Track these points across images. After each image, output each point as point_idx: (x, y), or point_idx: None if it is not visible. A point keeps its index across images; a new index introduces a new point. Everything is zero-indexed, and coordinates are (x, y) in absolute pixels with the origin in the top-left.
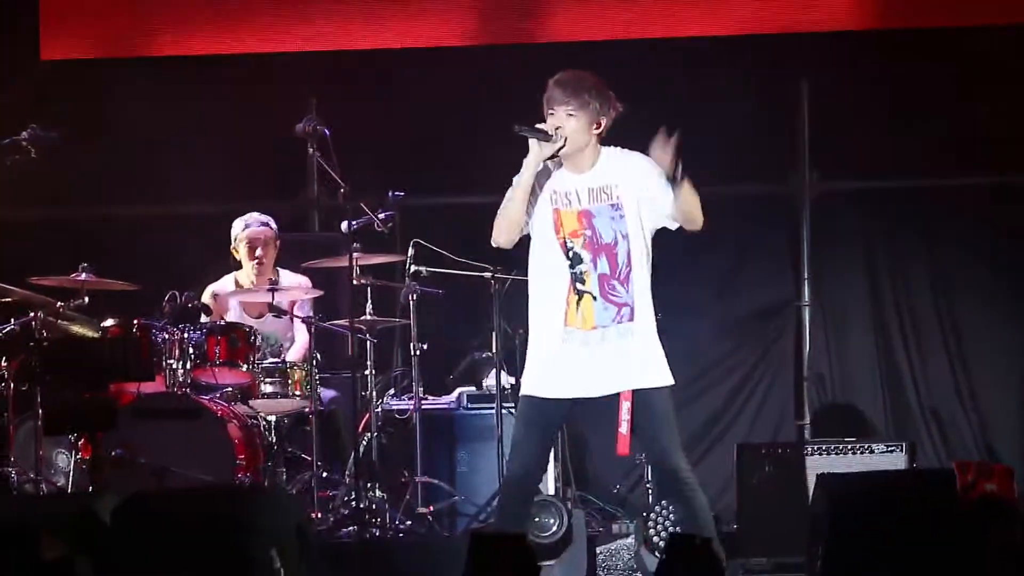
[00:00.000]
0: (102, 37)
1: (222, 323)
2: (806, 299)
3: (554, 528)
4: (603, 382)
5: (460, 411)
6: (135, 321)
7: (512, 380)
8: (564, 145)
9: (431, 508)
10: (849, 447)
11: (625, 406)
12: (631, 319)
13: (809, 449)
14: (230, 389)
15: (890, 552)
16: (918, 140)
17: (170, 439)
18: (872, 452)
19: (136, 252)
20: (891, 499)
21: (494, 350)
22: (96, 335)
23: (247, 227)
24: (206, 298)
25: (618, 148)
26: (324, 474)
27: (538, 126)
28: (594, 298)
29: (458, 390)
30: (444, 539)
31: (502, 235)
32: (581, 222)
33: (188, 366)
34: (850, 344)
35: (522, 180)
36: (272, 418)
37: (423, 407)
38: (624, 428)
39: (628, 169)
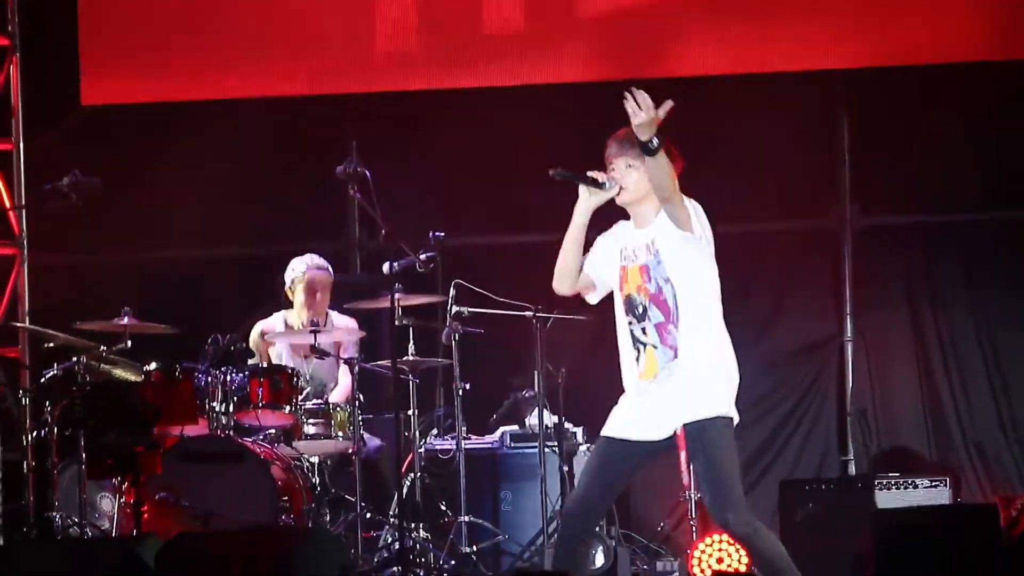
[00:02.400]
0: (142, 81)
1: (264, 365)
2: (848, 334)
3: (600, 562)
4: (659, 426)
5: (503, 450)
6: (177, 364)
7: (555, 419)
8: (619, 193)
9: (475, 547)
10: (893, 482)
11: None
12: (675, 358)
13: (853, 485)
14: (273, 431)
15: None
16: (958, 174)
17: (213, 482)
18: (916, 487)
19: (178, 296)
20: (935, 534)
21: (536, 389)
22: (139, 379)
23: (308, 269)
24: (255, 334)
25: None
26: (368, 515)
27: (589, 173)
28: (655, 347)
29: (501, 429)
30: None
31: (564, 287)
32: (643, 276)
33: (231, 408)
34: (893, 378)
35: (573, 227)
36: (315, 459)
37: (466, 447)
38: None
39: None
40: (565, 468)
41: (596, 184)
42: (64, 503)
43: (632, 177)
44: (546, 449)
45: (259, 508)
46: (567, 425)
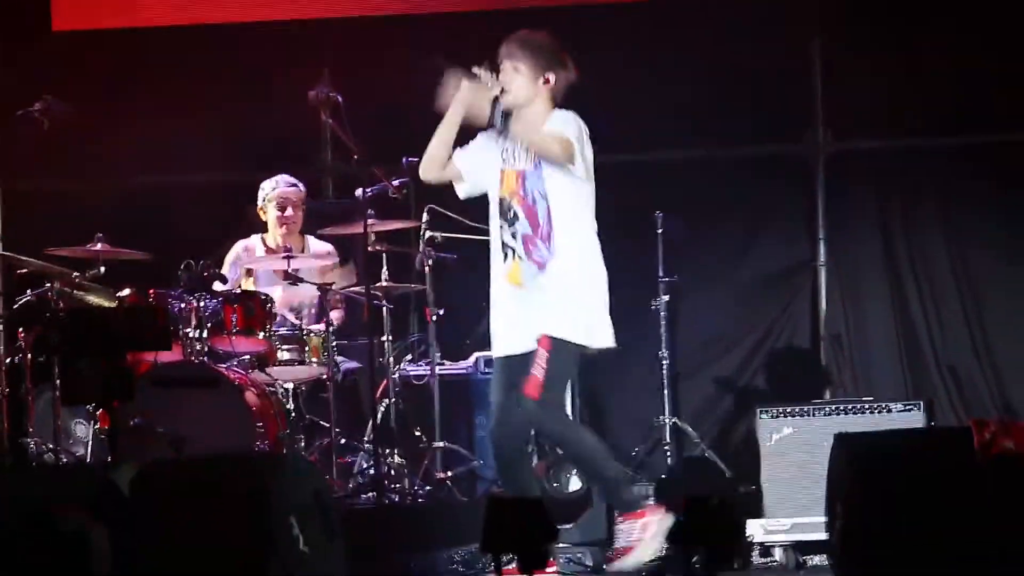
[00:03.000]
0: (114, 6)
1: (238, 291)
2: (822, 259)
3: (576, 486)
4: (519, 339)
5: (477, 375)
6: (151, 290)
7: None
8: (501, 93)
9: (449, 473)
10: (867, 407)
11: (541, 351)
12: (540, 271)
13: (827, 409)
14: (247, 357)
15: (908, 510)
16: (931, 98)
17: (188, 408)
18: (890, 411)
19: (151, 222)
20: (909, 457)
21: None
22: (112, 305)
23: (277, 186)
24: (236, 251)
25: (563, 110)
26: (343, 441)
27: (474, 69)
28: (520, 258)
29: (475, 354)
30: (463, 504)
31: (426, 170)
32: (517, 181)
33: (205, 335)
34: (866, 303)
35: (447, 117)
36: (290, 385)
37: (440, 372)
38: (538, 371)
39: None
40: None
41: (475, 77)
42: (39, 429)
43: (516, 81)
44: None
45: (233, 434)
46: None
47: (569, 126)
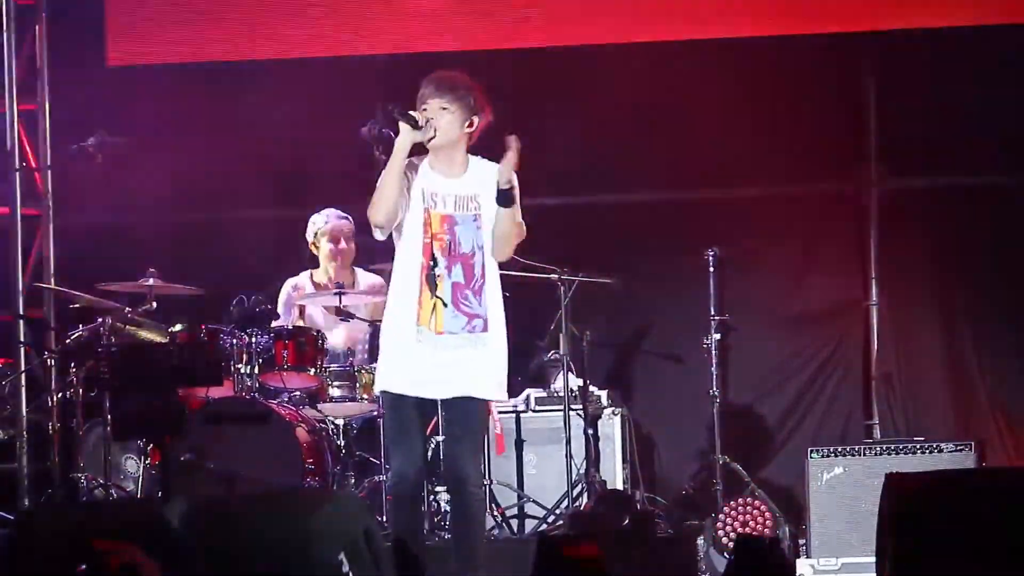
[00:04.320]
0: (168, 43)
1: (290, 327)
2: (874, 298)
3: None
4: (450, 386)
5: (528, 413)
6: (203, 326)
7: (580, 382)
8: (434, 136)
9: (500, 510)
10: (918, 447)
11: (490, 408)
12: (484, 330)
13: (878, 449)
14: (298, 393)
15: (958, 551)
16: (985, 136)
17: (239, 444)
18: (940, 451)
19: (203, 257)
20: (960, 498)
21: (561, 352)
22: (164, 340)
23: (328, 220)
24: (286, 291)
25: (483, 159)
26: None
27: (409, 112)
28: (444, 304)
29: (526, 392)
30: (512, 541)
31: (382, 219)
32: (444, 226)
33: (256, 370)
34: (918, 342)
35: (394, 162)
36: (340, 422)
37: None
38: (498, 428)
39: (490, 180)
40: (590, 431)
41: (415, 123)
42: (89, 465)
43: (445, 119)
44: (571, 412)
45: (284, 470)
46: (592, 388)
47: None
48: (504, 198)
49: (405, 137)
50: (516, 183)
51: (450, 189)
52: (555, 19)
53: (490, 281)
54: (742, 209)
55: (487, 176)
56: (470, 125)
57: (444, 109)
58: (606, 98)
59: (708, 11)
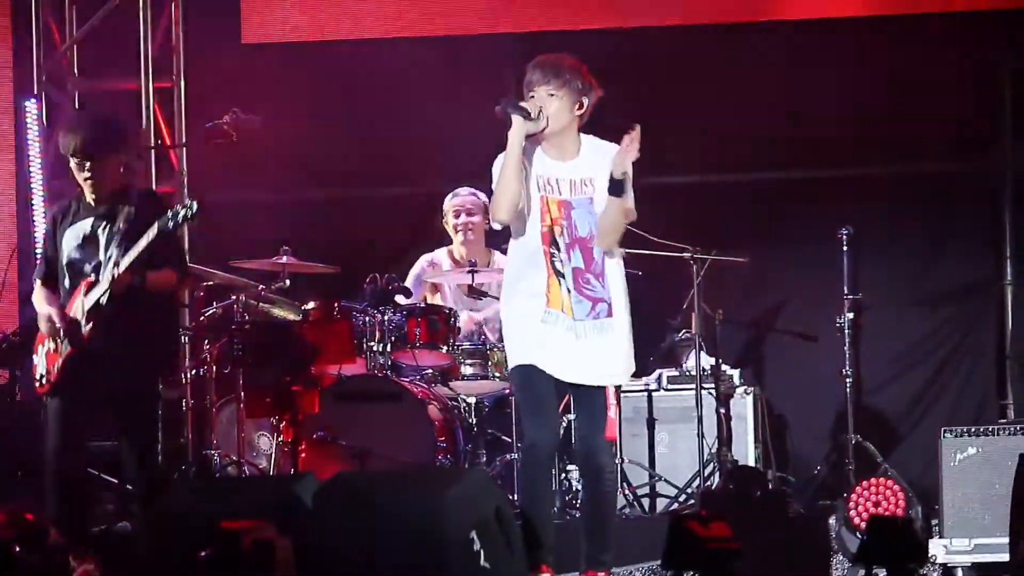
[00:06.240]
0: (302, 21)
1: (422, 305)
2: (1008, 277)
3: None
4: (587, 373)
5: (660, 392)
6: (336, 303)
7: (712, 361)
8: (547, 126)
9: (631, 489)
10: None
11: (611, 391)
12: (609, 315)
13: (1012, 429)
14: (430, 371)
15: None
16: None
17: (371, 421)
18: None
19: (337, 235)
20: None
21: (693, 331)
22: (297, 318)
23: (454, 195)
24: (420, 265)
25: (596, 138)
26: None
27: (521, 103)
28: (570, 291)
29: (658, 371)
30: (643, 520)
31: (503, 211)
32: (561, 211)
33: (388, 348)
34: None
35: (511, 155)
36: (472, 400)
37: (623, 388)
38: (613, 412)
39: (604, 162)
40: (722, 410)
41: (527, 114)
42: (222, 441)
43: (554, 106)
44: (703, 391)
45: (416, 448)
46: (724, 367)
47: (629, 169)
48: (616, 187)
49: (518, 129)
50: (631, 172)
51: (564, 173)
52: None
53: (610, 263)
54: (876, 188)
55: (601, 157)
56: (579, 107)
57: (552, 95)
58: (742, 78)
59: None
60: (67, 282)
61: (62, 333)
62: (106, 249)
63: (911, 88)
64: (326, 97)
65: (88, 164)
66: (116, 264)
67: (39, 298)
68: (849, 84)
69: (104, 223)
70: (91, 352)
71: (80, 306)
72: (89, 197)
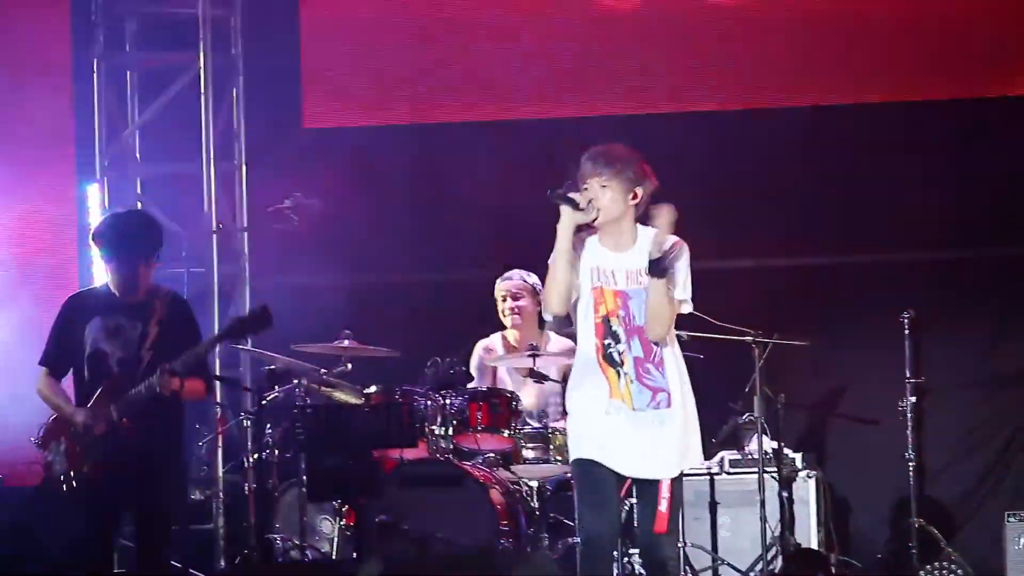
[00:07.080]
0: (362, 105)
1: (484, 389)
2: None
3: None
4: (642, 467)
5: (722, 475)
6: (397, 387)
7: (774, 444)
8: (597, 217)
9: (694, 572)
10: None
11: (665, 484)
12: (668, 405)
13: None
14: (492, 455)
15: None
16: None
17: (433, 505)
18: None
19: (398, 319)
20: None
21: (756, 414)
22: (359, 402)
23: (505, 279)
24: (478, 352)
25: (653, 228)
26: None
27: (570, 194)
28: (631, 381)
29: (720, 454)
30: None
31: (555, 304)
32: (617, 302)
33: (450, 432)
34: None
35: (560, 248)
36: (535, 483)
37: (684, 472)
38: (664, 507)
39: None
40: (784, 494)
41: (575, 205)
42: (284, 525)
43: (607, 197)
44: (765, 474)
45: (478, 532)
46: (786, 451)
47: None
48: (655, 268)
49: (567, 220)
50: (677, 254)
51: (620, 264)
52: (782, 80)
53: (668, 353)
54: (938, 271)
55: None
56: (634, 197)
57: (604, 187)
58: (803, 161)
59: (908, 74)
60: (86, 374)
61: (94, 432)
62: (138, 348)
63: (975, 170)
64: (387, 181)
65: (128, 262)
66: (159, 368)
67: (48, 389)
68: (917, 166)
69: (135, 322)
70: (124, 451)
71: (106, 404)
72: (116, 291)
